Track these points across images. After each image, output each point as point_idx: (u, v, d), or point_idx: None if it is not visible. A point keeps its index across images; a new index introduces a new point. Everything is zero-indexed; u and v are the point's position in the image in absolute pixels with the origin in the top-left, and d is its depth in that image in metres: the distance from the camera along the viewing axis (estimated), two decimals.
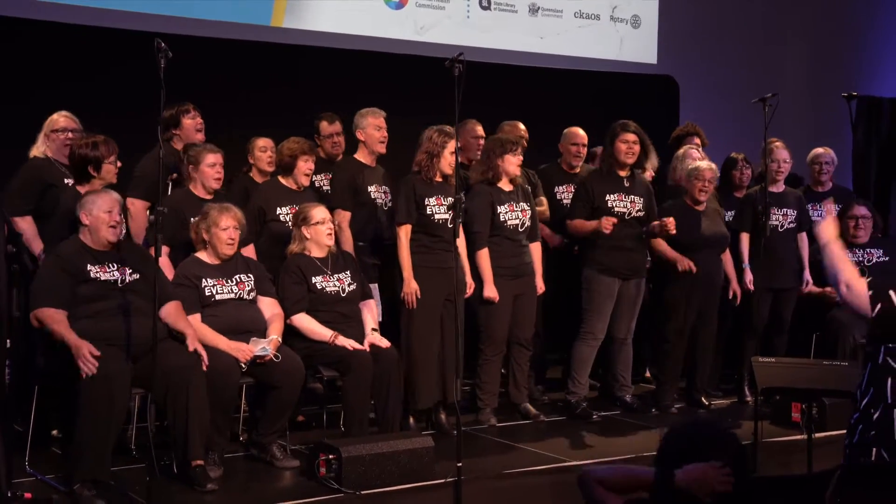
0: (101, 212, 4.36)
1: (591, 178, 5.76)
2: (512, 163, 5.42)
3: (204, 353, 4.33)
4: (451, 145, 5.12)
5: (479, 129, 6.12)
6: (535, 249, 5.60)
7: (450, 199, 5.14)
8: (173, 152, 5.19)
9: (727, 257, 6.00)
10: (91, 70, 6.21)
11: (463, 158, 6.20)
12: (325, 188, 5.76)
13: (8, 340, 3.95)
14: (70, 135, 5.01)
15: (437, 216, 5.20)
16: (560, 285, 5.81)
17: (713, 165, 5.92)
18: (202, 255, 4.74)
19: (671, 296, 5.81)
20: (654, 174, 6.02)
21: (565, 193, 6.07)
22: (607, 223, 5.44)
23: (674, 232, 5.58)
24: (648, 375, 6.53)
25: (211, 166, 5.00)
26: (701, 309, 5.84)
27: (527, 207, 5.50)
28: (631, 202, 5.64)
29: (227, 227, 4.68)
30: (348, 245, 5.36)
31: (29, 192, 4.91)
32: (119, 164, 4.84)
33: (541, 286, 5.57)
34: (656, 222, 5.64)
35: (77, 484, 3.97)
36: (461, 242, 5.27)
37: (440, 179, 5.22)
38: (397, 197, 5.28)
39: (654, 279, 5.93)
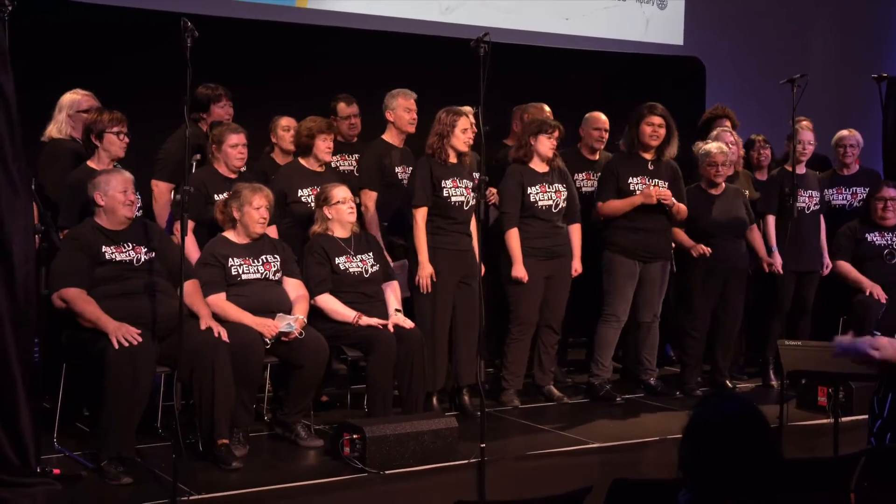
0: (116, 192, 4.37)
1: (616, 160, 5.72)
2: (545, 144, 5.39)
3: (219, 330, 4.34)
4: (462, 122, 5.10)
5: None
6: (575, 231, 5.56)
7: (465, 182, 5.14)
8: (199, 134, 5.20)
9: (756, 236, 5.96)
10: (116, 50, 6.22)
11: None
12: (342, 169, 5.74)
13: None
14: None
15: (453, 198, 5.16)
16: (585, 268, 5.77)
17: (724, 147, 5.80)
18: (230, 235, 4.76)
19: (687, 281, 5.78)
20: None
21: (585, 181, 5.94)
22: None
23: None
24: (675, 358, 6.50)
25: (233, 147, 5.01)
26: (723, 293, 5.80)
27: (562, 189, 5.47)
28: (654, 185, 5.57)
29: (259, 206, 4.70)
30: (374, 225, 5.35)
31: None
32: (127, 139, 4.76)
33: (577, 268, 5.54)
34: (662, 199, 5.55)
35: (104, 461, 4.01)
36: (474, 225, 5.23)
37: (455, 160, 5.20)
38: (413, 179, 5.25)
39: (674, 264, 5.88)
